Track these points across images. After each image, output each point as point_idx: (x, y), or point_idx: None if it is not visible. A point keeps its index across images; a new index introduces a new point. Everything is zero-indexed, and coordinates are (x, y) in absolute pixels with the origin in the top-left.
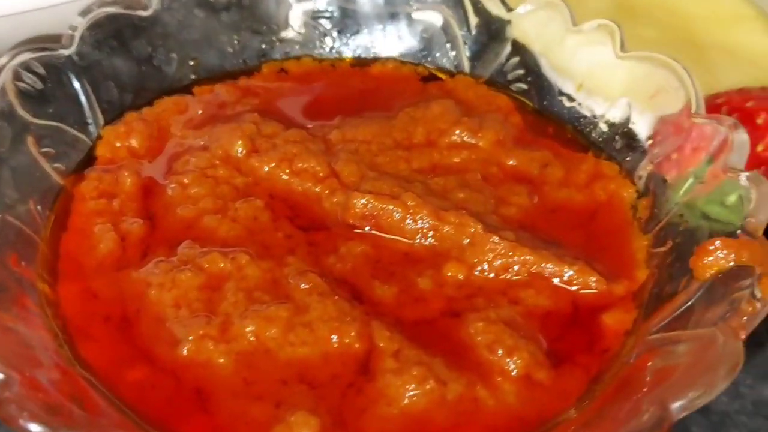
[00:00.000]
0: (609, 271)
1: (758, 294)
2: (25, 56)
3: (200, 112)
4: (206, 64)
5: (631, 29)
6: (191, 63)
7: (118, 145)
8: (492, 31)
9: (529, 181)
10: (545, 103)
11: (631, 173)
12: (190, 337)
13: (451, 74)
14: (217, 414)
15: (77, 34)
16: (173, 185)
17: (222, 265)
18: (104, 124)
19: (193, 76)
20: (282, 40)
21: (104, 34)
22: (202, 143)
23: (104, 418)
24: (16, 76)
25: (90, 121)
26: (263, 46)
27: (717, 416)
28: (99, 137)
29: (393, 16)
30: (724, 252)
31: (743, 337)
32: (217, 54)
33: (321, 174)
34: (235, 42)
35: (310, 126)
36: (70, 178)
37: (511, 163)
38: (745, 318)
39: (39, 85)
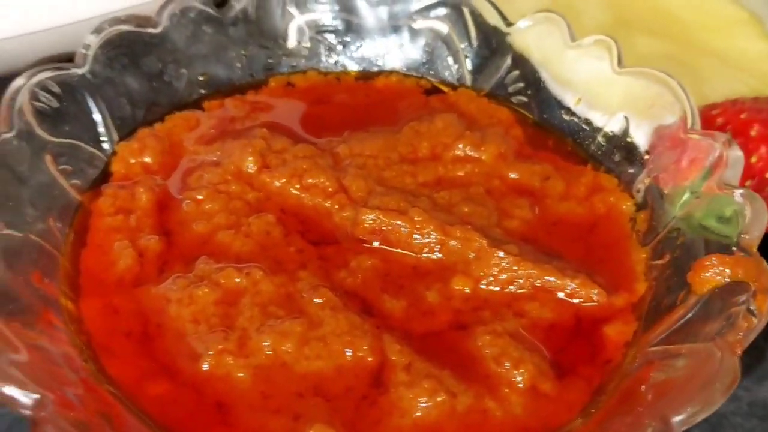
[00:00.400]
0: (609, 284)
1: (754, 309)
2: (41, 76)
3: (211, 127)
4: (215, 78)
5: (629, 40)
6: (200, 78)
7: (133, 161)
8: (492, 44)
9: (530, 194)
10: (545, 116)
11: (630, 186)
12: (210, 352)
13: (453, 87)
14: (238, 427)
15: (90, 53)
16: (188, 201)
17: (237, 280)
18: (118, 140)
19: (202, 91)
20: (288, 54)
21: (116, 52)
22: (214, 159)
23: None
24: (33, 96)
25: (104, 137)
26: (270, 60)
27: (714, 417)
28: (114, 153)
29: (396, 30)
30: (720, 268)
31: (740, 352)
32: (225, 69)
33: (330, 189)
34: (243, 56)
35: (317, 140)
36: (87, 194)
37: (512, 176)
38: (742, 333)
39: (55, 103)
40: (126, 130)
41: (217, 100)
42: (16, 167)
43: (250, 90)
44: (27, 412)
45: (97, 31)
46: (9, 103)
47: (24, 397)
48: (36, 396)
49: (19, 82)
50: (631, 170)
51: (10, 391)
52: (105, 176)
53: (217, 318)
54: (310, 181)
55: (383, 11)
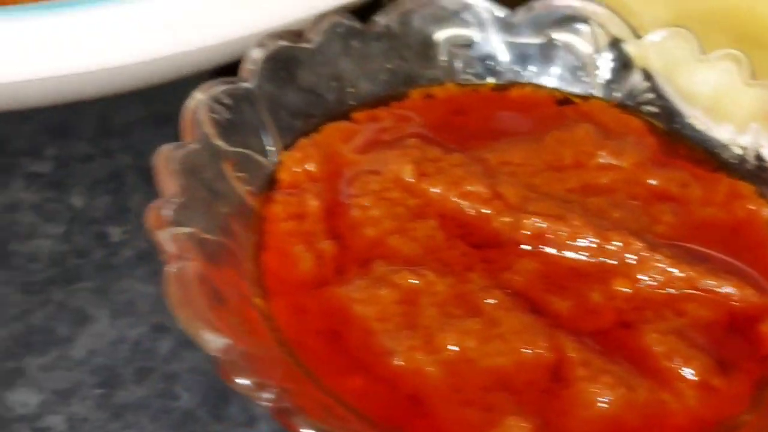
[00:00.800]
0: (758, 284)
1: None
2: (216, 89)
3: (363, 137)
4: (362, 90)
5: (755, 55)
6: (349, 90)
7: (297, 170)
8: (622, 56)
9: (671, 199)
10: (675, 125)
11: (767, 193)
12: (401, 349)
13: (584, 98)
14: (434, 418)
15: (256, 67)
16: (355, 207)
17: (412, 281)
18: (282, 149)
19: (351, 103)
20: (428, 67)
21: (276, 66)
22: (372, 167)
23: (351, 423)
24: (210, 108)
25: (269, 147)
26: (411, 74)
27: None
28: (278, 162)
29: (530, 43)
30: None
31: None
32: (370, 81)
33: (486, 195)
34: (387, 69)
35: (463, 149)
36: (259, 200)
37: (652, 182)
38: None
39: (227, 115)
40: (287, 140)
41: (364, 112)
42: (201, 175)
43: (393, 101)
44: (267, 405)
45: (260, 45)
46: (192, 115)
47: (264, 391)
48: (276, 388)
49: (198, 95)
50: (766, 179)
51: (247, 383)
52: (271, 184)
53: (401, 317)
54: (468, 188)
55: (518, 25)
